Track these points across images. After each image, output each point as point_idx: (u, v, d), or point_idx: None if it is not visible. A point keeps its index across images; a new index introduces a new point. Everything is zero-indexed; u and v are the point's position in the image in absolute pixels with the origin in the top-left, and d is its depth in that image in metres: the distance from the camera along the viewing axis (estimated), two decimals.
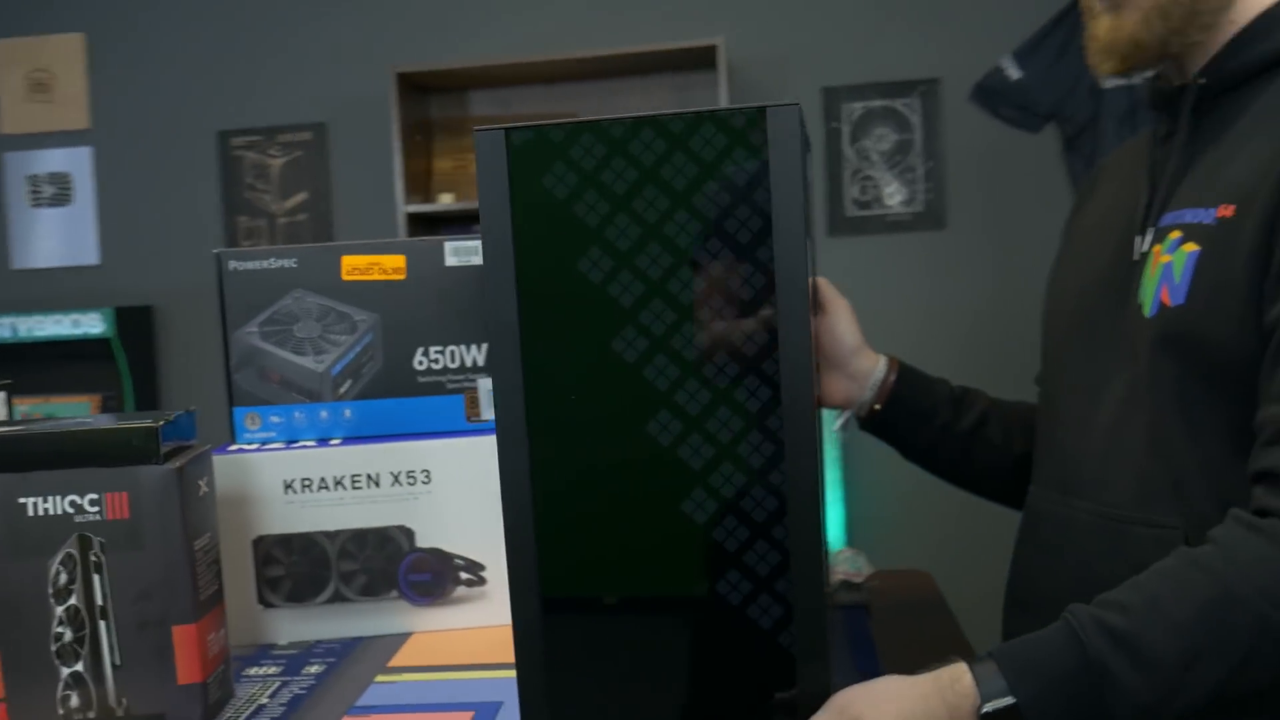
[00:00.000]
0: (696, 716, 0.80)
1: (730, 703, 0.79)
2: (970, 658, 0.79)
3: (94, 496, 0.97)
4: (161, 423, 0.98)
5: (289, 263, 1.24)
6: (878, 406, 1.15)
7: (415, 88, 3.12)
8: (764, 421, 0.76)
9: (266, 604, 1.21)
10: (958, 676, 0.77)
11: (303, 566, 1.21)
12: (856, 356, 1.14)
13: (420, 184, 3.11)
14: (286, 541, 1.21)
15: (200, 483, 1.03)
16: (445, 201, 3.11)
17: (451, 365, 1.25)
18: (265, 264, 1.24)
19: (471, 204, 3.07)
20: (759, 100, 3.06)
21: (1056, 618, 0.89)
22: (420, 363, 1.25)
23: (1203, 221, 0.91)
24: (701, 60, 3.15)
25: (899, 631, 1.16)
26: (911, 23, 3.30)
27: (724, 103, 2.98)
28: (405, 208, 2.96)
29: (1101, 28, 1.02)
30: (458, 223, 3.24)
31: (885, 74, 3.31)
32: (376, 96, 3.25)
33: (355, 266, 1.25)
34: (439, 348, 1.25)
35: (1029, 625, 0.96)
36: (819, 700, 0.77)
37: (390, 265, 1.25)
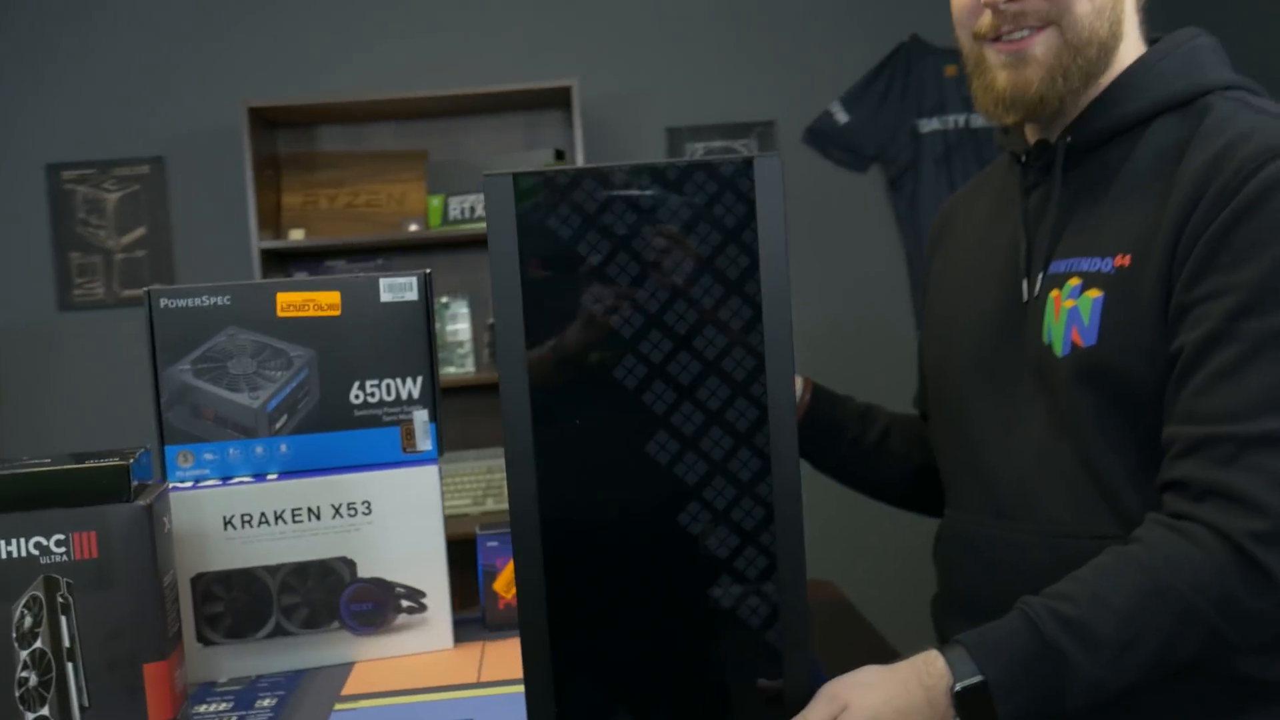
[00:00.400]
0: (694, 711, 0.87)
1: (723, 696, 0.87)
2: (940, 645, 0.90)
3: (60, 537, 0.97)
4: (130, 461, 0.99)
5: (222, 300, 1.25)
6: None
7: (263, 122, 3.09)
8: (752, 439, 0.84)
9: (205, 641, 1.21)
10: (931, 661, 0.88)
11: (243, 602, 1.22)
12: None
13: (270, 219, 3.07)
14: (226, 578, 1.21)
15: (165, 519, 1.04)
16: (296, 238, 3.07)
17: (388, 398, 1.29)
18: (198, 301, 1.25)
19: (322, 240, 3.06)
20: (609, 138, 3.18)
21: None
22: (357, 396, 1.28)
23: (1101, 270, 1.01)
24: (551, 100, 3.24)
25: (823, 638, 1.25)
26: (749, 69, 3.49)
27: (579, 141, 3.08)
28: (259, 244, 2.92)
29: (1002, 82, 1.09)
30: (309, 259, 3.21)
31: (725, 115, 3.49)
32: (222, 130, 3.20)
33: (290, 303, 1.27)
34: (375, 381, 1.28)
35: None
36: (803, 689, 0.86)
37: (325, 301, 1.28)
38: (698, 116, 3.47)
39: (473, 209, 3.14)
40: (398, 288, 1.30)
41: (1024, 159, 1.15)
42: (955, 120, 3.55)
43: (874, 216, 3.53)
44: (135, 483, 1.00)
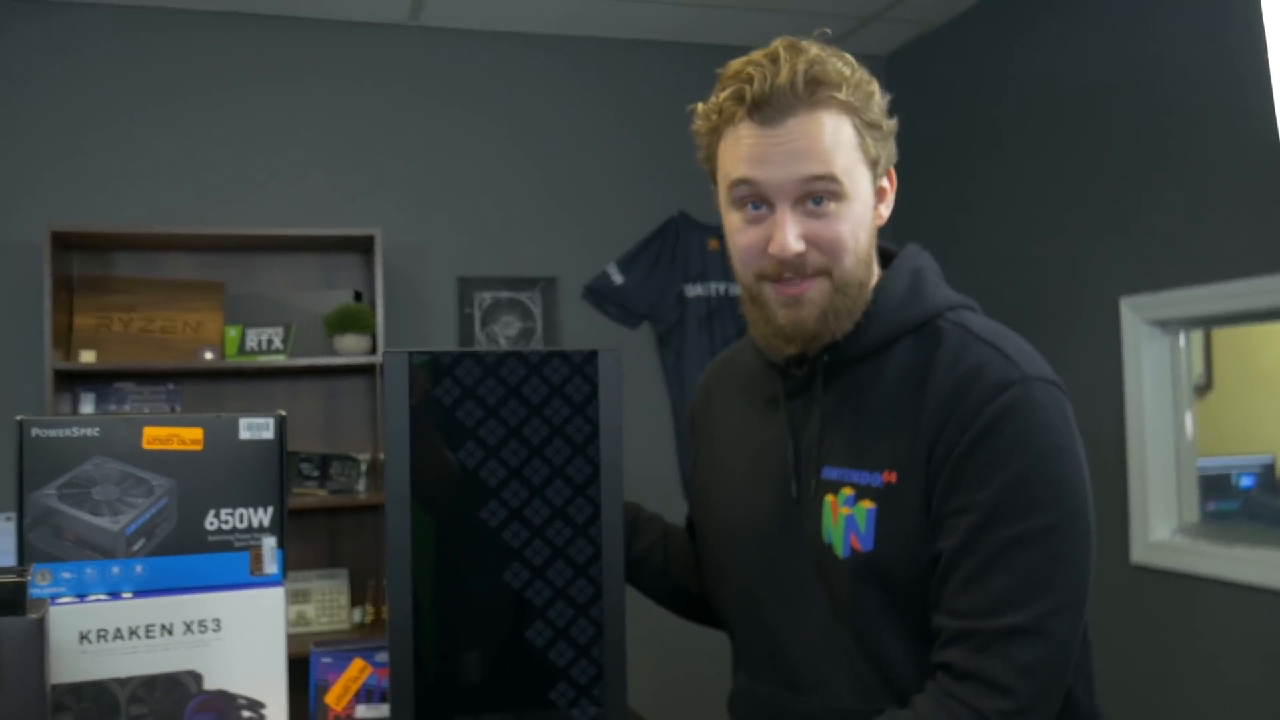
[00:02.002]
0: None
1: None
2: None
3: None
4: (27, 578, 1.11)
5: (91, 431, 1.38)
6: None
7: (60, 244, 3.11)
8: (588, 570, 1.08)
9: None
10: None
11: (92, 713, 1.31)
12: None
13: (62, 340, 3.08)
14: (77, 690, 1.31)
15: (49, 631, 1.15)
16: (87, 360, 3.09)
17: (240, 525, 1.43)
18: (67, 432, 1.37)
19: (114, 364, 3.09)
20: (404, 283, 3.37)
21: None
22: (211, 523, 1.42)
23: (871, 484, 1.16)
24: (351, 245, 3.42)
25: None
26: (535, 229, 3.80)
27: (379, 285, 3.27)
28: (52, 364, 2.92)
29: (781, 319, 1.20)
30: (99, 380, 3.21)
31: (512, 270, 3.76)
32: (18, 248, 3.20)
33: (156, 437, 1.41)
34: (229, 510, 1.43)
35: None
36: None
37: (189, 437, 1.42)
38: (487, 269, 3.74)
39: (269, 341, 3.25)
40: (256, 427, 1.46)
41: (785, 368, 1.28)
42: (717, 288, 3.96)
43: (644, 370, 3.87)
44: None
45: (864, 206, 1.19)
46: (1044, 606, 1.07)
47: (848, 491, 1.18)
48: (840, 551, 1.17)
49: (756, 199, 1.17)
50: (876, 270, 1.27)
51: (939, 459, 1.13)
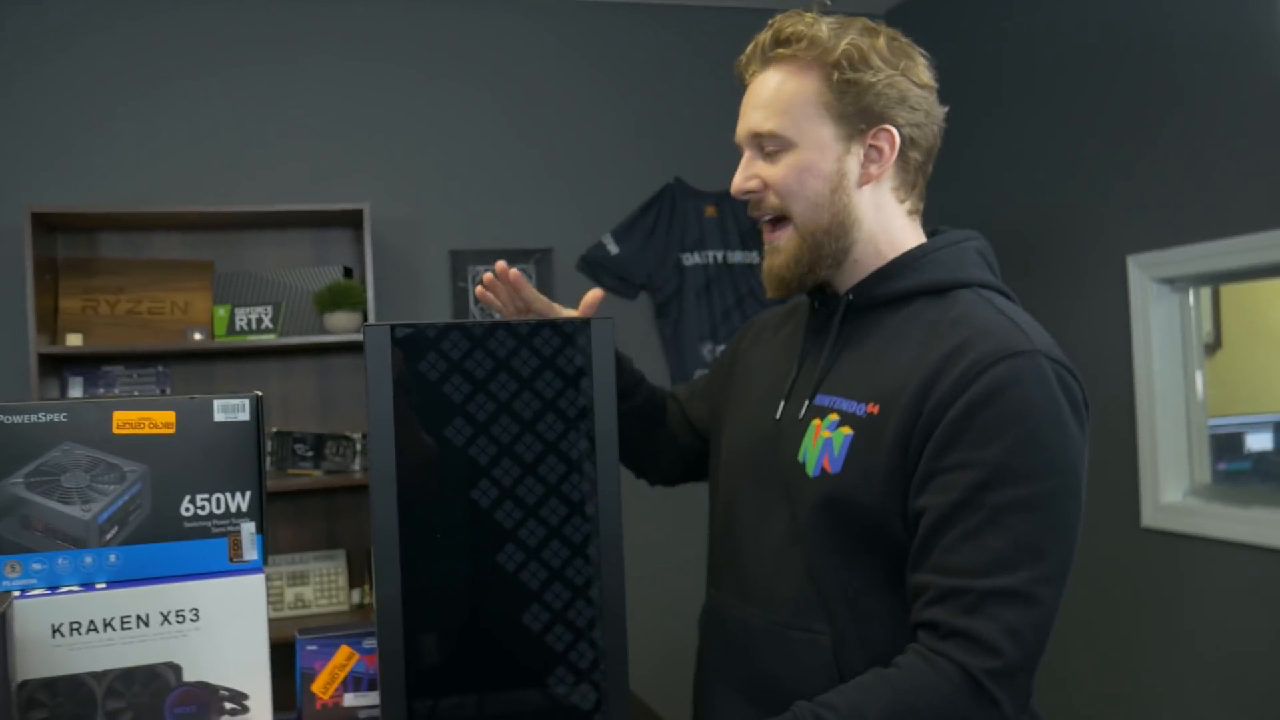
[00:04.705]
0: None
1: None
2: None
3: None
4: None
5: (59, 417, 1.31)
6: None
7: (43, 225, 3.04)
8: (585, 550, 1.01)
9: None
10: None
11: (68, 708, 1.26)
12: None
13: (47, 324, 3.01)
14: (52, 685, 1.25)
15: (14, 628, 1.09)
16: (74, 343, 3.02)
17: (217, 511, 1.37)
18: (34, 418, 1.30)
19: (101, 347, 3.02)
20: (395, 258, 3.31)
21: (739, 697, 1.26)
22: (187, 509, 1.36)
23: (855, 413, 1.19)
24: (340, 220, 3.35)
25: None
26: (529, 200, 3.73)
27: (369, 260, 3.20)
28: (37, 349, 2.85)
29: (765, 266, 1.30)
30: (86, 363, 3.15)
31: (506, 242, 3.69)
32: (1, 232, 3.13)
33: (126, 421, 1.34)
34: (205, 495, 1.36)
35: (717, 702, 1.31)
36: None
37: (160, 420, 1.36)
38: (480, 242, 3.66)
39: (259, 320, 3.18)
40: (230, 408, 1.40)
41: (815, 304, 1.35)
42: (714, 255, 3.89)
43: (641, 340, 3.80)
44: None
45: (820, 156, 1.25)
46: (1036, 572, 1.09)
47: (833, 417, 1.22)
48: (812, 470, 1.21)
49: (741, 148, 1.31)
50: (916, 234, 1.31)
51: (933, 409, 1.13)
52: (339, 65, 3.55)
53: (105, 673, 1.27)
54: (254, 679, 1.34)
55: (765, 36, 1.27)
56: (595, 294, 1.43)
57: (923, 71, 1.28)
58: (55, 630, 1.26)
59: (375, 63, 3.59)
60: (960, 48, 3.69)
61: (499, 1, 3.73)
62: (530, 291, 1.43)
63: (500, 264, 1.42)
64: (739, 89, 1.33)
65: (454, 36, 3.69)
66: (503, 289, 1.43)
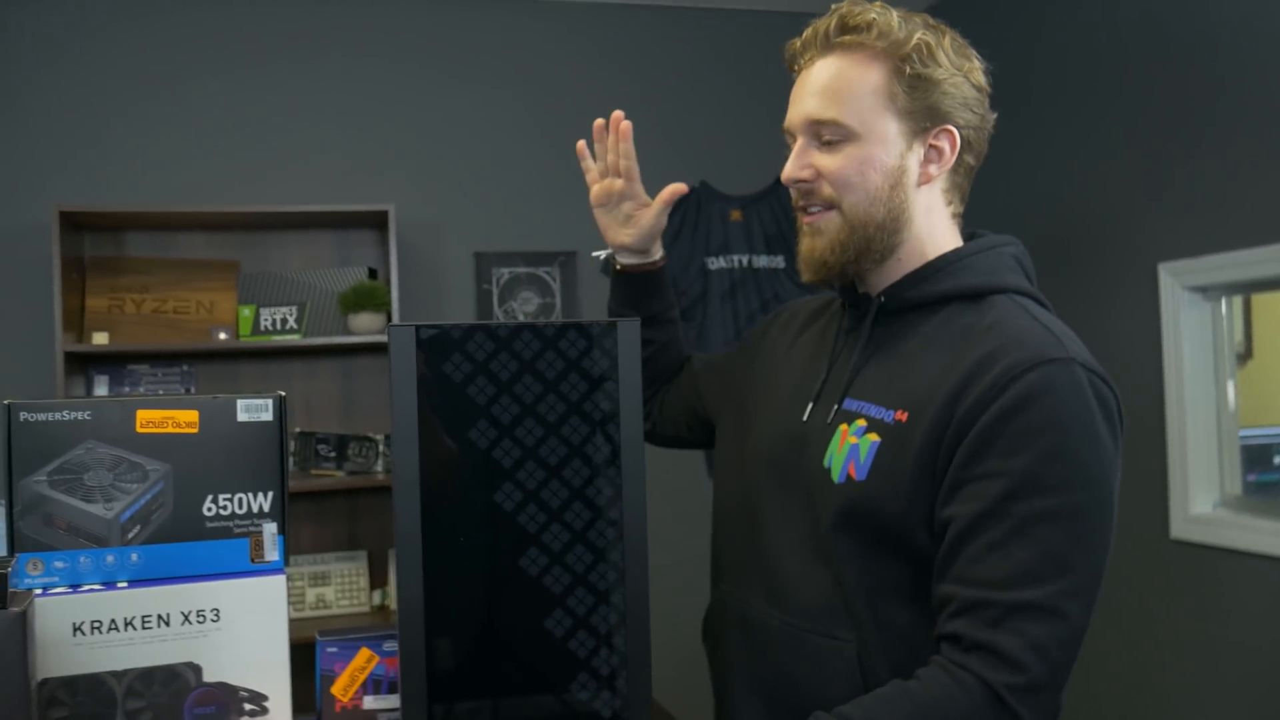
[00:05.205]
0: None
1: None
2: None
3: None
4: (8, 570, 1.04)
5: (83, 415, 1.31)
6: (653, 262, 1.57)
7: (70, 224, 3.06)
8: (609, 555, 0.99)
9: None
10: None
11: (88, 707, 1.25)
12: (655, 239, 1.55)
13: (74, 322, 3.02)
14: (72, 683, 1.25)
15: (34, 626, 1.08)
16: (100, 341, 3.03)
17: (239, 511, 1.36)
18: (57, 416, 1.30)
19: (126, 346, 3.03)
20: (420, 259, 3.31)
21: (756, 698, 1.25)
22: (209, 509, 1.35)
23: (884, 420, 1.16)
24: (365, 221, 3.35)
25: None
26: (552, 202, 3.72)
27: (394, 261, 3.19)
28: (63, 347, 2.86)
29: (804, 246, 1.27)
30: (111, 362, 3.16)
31: (530, 244, 3.68)
32: (28, 230, 3.14)
33: (150, 420, 1.33)
34: (228, 495, 1.36)
35: (736, 704, 1.29)
36: None
37: (184, 419, 1.35)
38: (504, 244, 3.66)
39: (284, 320, 3.18)
40: (254, 408, 1.39)
41: (847, 305, 1.33)
42: (739, 260, 3.86)
43: None
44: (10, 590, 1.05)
45: (883, 150, 1.22)
46: (1062, 586, 1.06)
47: (861, 423, 1.20)
48: (837, 476, 1.19)
49: (791, 135, 1.27)
50: (953, 236, 1.28)
51: (964, 416, 1.10)
52: (366, 66, 3.56)
53: (125, 672, 1.27)
54: (274, 680, 1.33)
55: (829, 22, 1.24)
56: (678, 187, 1.47)
57: (980, 75, 1.26)
58: (76, 629, 1.25)
59: (402, 64, 3.60)
60: (992, 48, 3.66)
61: (525, 4, 3.73)
62: (631, 156, 1.49)
63: (617, 113, 1.47)
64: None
65: (480, 39, 3.68)
66: (610, 139, 1.48)
